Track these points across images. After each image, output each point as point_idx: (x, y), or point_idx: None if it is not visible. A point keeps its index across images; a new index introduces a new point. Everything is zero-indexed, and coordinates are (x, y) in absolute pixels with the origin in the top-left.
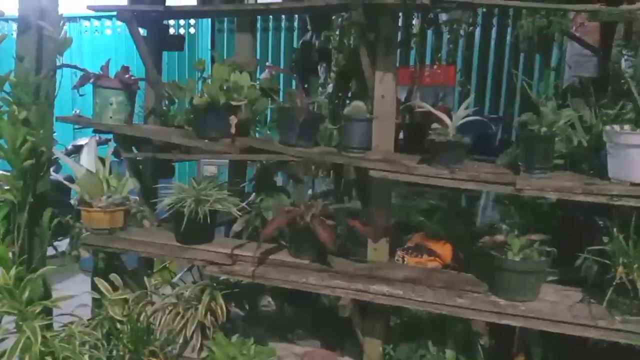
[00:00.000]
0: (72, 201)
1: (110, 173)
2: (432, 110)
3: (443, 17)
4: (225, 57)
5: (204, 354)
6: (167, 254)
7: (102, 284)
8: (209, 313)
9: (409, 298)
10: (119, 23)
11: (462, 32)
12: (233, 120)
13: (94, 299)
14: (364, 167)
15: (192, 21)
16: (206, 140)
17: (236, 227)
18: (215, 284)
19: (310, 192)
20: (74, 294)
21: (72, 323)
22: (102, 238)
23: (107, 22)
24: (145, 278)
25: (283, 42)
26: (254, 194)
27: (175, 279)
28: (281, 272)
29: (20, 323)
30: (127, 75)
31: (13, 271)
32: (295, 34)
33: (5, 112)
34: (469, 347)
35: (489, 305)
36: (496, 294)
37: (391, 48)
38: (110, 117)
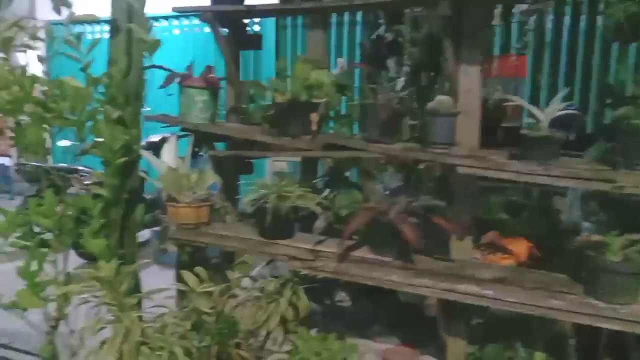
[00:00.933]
0: (145, 196)
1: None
2: (524, 104)
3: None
4: (289, 54)
5: (286, 347)
6: (250, 248)
7: (189, 277)
8: (290, 307)
9: (500, 299)
10: (186, 22)
11: (532, 21)
12: (314, 117)
13: (178, 291)
14: (451, 164)
15: (256, 19)
16: (288, 138)
17: (319, 224)
18: (296, 279)
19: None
20: (163, 286)
21: (164, 314)
22: (188, 232)
23: (175, 22)
24: (228, 271)
25: (346, 37)
26: (327, 189)
27: (253, 273)
28: (364, 268)
29: (119, 314)
30: (211, 75)
31: (113, 264)
32: (357, 29)
33: (100, 111)
34: (558, 348)
35: (587, 308)
36: (593, 295)
37: (478, 40)
38: (196, 116)
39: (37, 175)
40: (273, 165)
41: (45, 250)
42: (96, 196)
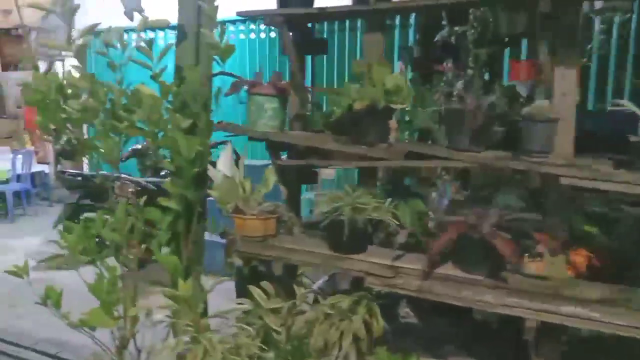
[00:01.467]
0: None
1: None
2: (636, 109)
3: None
4: (336, 58)
5: None
6: (323, 263)
7: (256, 292)
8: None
9: (610, 322)
10: (241, 28)
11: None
12: (393, 124)
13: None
14: (552, 174)
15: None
16: (363, 146)
17: (400, 239)
18: (370, 296)
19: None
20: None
21: (236, 333)
22: (255, 245)
23: (231, 27)
24: (295, 287)
25: (397, 40)
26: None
27: (315, 287)
28: (451, 287)
29: (195, 335)
30: (280, 82)
31: (190, 282)
32: (410, 30)
33: (168, 120)
34: None
35: None
36: None
37: (575, 41)
38: (265, 124)
39: (78, 183)
40: (320, 173)
41: (115, 266)
42: (164, 208)
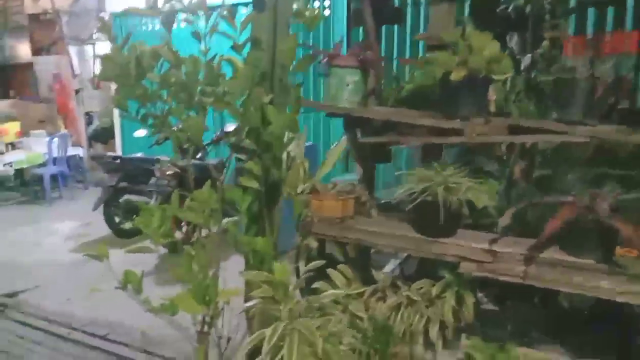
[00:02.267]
0: None
1: None
2: None
3: None
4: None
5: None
6: (411, 247)
7: (337, 277)
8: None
9: None
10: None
11: None
12: (491, 96)
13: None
14: None
15: (327, 2)
16: (458, 120)
17: (503, 221)
18: (460, 282)
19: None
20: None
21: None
22: (333, 228)
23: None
24: (374, 271)
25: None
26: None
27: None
28: (560, 273)
29: (290, 320)
30: (363, 53)
31: (287, 266)
32: (467, 3)
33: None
34: None
35: None
36: None
37: None
38: (346, 99)
39: (116, 166)
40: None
41: (200, 251)
42: (244, 188)
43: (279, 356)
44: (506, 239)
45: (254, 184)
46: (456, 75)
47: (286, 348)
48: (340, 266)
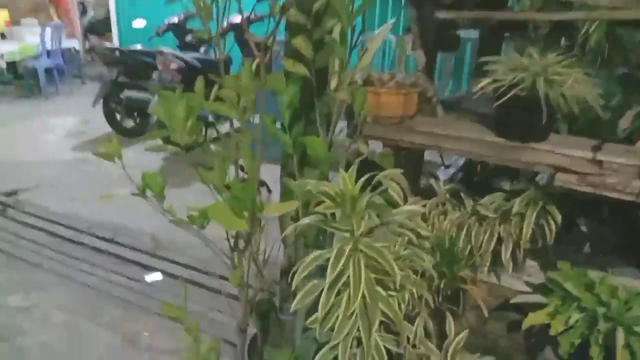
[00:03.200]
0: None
1: None
2: None
3: None
4: None
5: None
6: (493, 154)
7: (394, 189)
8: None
9: None
10: None
11: None
12: None
13: None
14: None
15: None
16: None
17: (623, 123)
18: (543, 197)
19: None
20: None
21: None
22: (391, 129)
23: None
24: (434, 182)
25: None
26: None
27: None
28: None
29: (352, 241)
30: None
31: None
32: None
33: None
34: None
35: None
36: None
37: None
38: None
39: (116, 59)
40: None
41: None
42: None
43: (341, 282)
44: (614, 146)
45: (302, 69)
46: None
47: (351, 274)
48: (393, 174)
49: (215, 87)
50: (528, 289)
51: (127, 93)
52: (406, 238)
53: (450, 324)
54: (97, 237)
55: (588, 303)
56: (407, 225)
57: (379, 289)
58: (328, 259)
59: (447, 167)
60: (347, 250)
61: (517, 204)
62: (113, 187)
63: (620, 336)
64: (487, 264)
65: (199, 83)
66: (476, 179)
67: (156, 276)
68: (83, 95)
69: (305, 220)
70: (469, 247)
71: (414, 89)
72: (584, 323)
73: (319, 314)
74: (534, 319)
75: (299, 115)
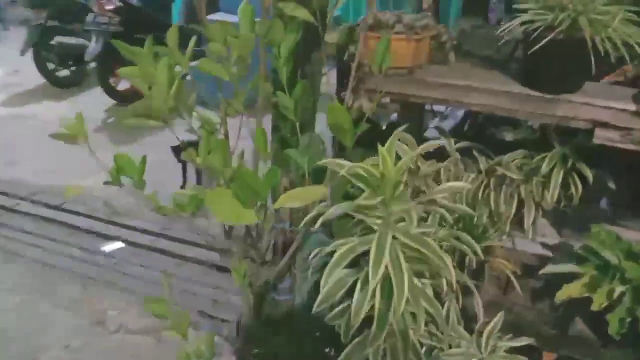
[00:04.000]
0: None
1: None
2: None
3: None
4: None
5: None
6: (522, 108)
7: (406, 151)
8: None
9: None
10: None
11: None
12: None
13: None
14: None
15: None
16: None
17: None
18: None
19: None
20: None
21: None
22: (401, 82)
23: None
24: (445, 140)
25: None
26: None
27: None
28: None
29: (384, 228)
30: None
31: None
32: None
33: None
34: None
35: None
36: None
37: None
38: None
39: (43, 0)
40: None
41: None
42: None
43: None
44: None
45: (303, 13)
46: None
47: (392, 271)
48: (399, 133)
49: (192, 40)
50: (547, 252)
51: (58, 39)
52: (437, 215)
53: (479, 305)
54: (44, 204)
55: (633, 273)
56: (441, 202)
57: (416, 281)
58: (361, 250)
59: (444, 118)
60: (389, 242)
61: (546, 163)
62: (59, 147)
63: None
64: (508, 230)
65: (172, 34)
66: (486, 132)
67: (116, 245)
68: (9, 42)
69: (337, 211)
70: (487, 213)
71: (427, 32)
72: (630, 296)
73: (352, 315)
74: (569, 291)
75: (296, 71)
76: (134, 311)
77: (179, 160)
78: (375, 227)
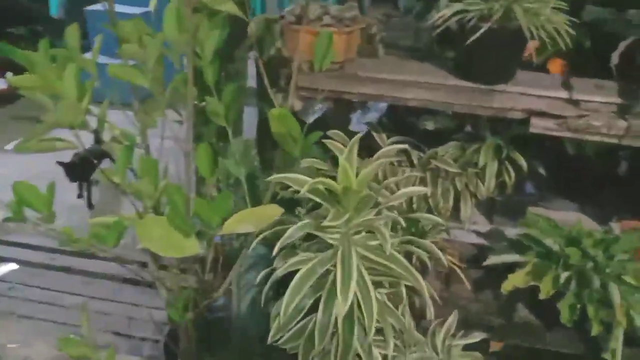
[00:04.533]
0: None
1: None
2: None
3: None
4: None
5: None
6: (459, 101)
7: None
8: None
9: None
10: None
11: None
12: None
13: None
14: None
15: None
16: None
17: (614, 59)
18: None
19: None
20: None
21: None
22: (331, 77)
23: None
24: (377, 135)
25: None
26: None
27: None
28: None
29: (341, 241)
30: None
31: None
32: None
33: None
34: None
35: None
36: None
37: None
38: None
39: None
40: None
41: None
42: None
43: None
44: (581, 81)
45: (230, 6)
46: None
47: (359, 291)
48: (333, 133)
49: (99, 39)
50: (482, 241)
51: None
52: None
53: (429, 304)
54: None
55: (575, 259)
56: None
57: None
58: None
59: (367, 110)
60: (355, 263)
61: (482, 155)
62: None
63: (616, 292)
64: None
65: (73, 33)
66: (408, 122)
67: (8, 267)
68: None
69: (298, 233)
70: (425, 208)
71: (357, 25)
72: (576, 281)
73: (316, 341)
74: (514, 281)
75: (223, 72)
76: (38, 342)
77: (72, 180)
78: (333, 242)
